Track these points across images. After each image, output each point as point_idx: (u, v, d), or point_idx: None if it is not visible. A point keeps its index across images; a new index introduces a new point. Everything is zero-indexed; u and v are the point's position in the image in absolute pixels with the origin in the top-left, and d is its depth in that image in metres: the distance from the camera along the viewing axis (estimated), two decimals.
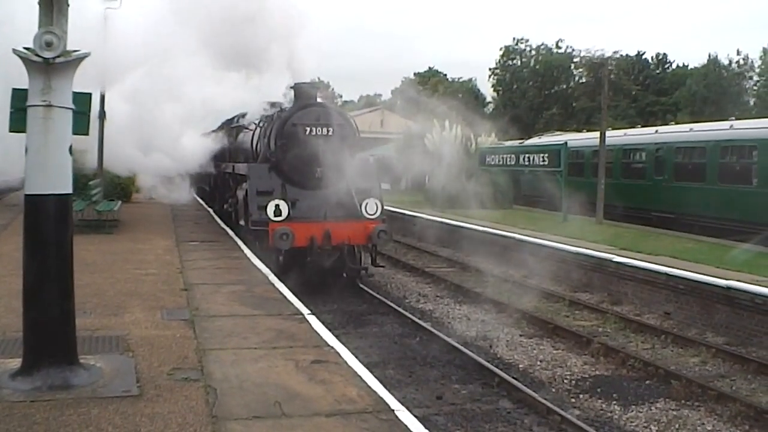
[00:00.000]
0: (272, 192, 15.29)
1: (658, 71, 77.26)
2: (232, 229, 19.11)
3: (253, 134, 18.11)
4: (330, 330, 9.37)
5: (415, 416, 6.41)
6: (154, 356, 7.64)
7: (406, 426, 6.03)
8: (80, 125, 7.30)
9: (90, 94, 8.24)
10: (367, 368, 7.73)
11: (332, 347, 8.33)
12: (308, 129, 15.47)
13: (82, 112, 7.42)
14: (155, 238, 17.58)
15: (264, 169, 15.92)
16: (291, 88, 16.45)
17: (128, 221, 20.28)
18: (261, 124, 17.67)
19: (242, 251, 15.83)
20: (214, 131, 25.79)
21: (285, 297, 11.05)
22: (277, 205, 14.60)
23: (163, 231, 19.03)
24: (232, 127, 22.63)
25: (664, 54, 77.84)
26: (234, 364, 7.50)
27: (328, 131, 15.53)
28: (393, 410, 6.36)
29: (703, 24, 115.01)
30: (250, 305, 10.36)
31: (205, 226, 21.02)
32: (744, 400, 9.72)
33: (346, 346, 8.52)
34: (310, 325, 9.36)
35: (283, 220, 14.56)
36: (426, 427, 6.16)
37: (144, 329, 8.77)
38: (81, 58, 6.58)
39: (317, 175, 15.44)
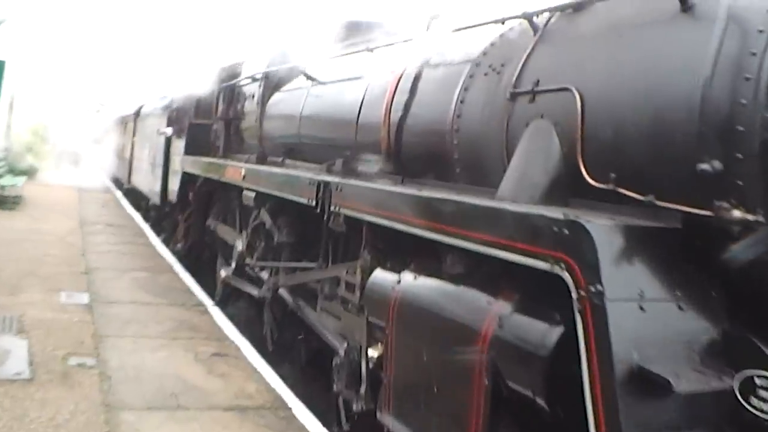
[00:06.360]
0: None
1: None
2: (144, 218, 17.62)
3: (391, 93, 5.95)
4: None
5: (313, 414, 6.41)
6: (50, 339, 7.43)
7: (302, 424, 6.03)
8: None
9: (3, 62, 7.98)
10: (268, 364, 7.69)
11: (233, 341, 8.26)
12: None
13: None
14: (59, 218, 17.07)
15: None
16: None
17: (32, 199, 19.64)
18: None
19: (147, 237, 15.48)
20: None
21: (188, 287, 10.89)
22: None
23: (68, 212, 18.49)
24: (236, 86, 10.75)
25: None
26: (132, 352, 7.36)
27: None
28: (290, 407, 6.35)
29: None
30: (153, 293, 10.16)
31: (112, 209, 20.54)
32: None
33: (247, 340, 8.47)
34: (212, 317, 9.25)
35: None
36: (323, 425, 6.17)
37: (41, 311, 8.52)
38: None
39: None
